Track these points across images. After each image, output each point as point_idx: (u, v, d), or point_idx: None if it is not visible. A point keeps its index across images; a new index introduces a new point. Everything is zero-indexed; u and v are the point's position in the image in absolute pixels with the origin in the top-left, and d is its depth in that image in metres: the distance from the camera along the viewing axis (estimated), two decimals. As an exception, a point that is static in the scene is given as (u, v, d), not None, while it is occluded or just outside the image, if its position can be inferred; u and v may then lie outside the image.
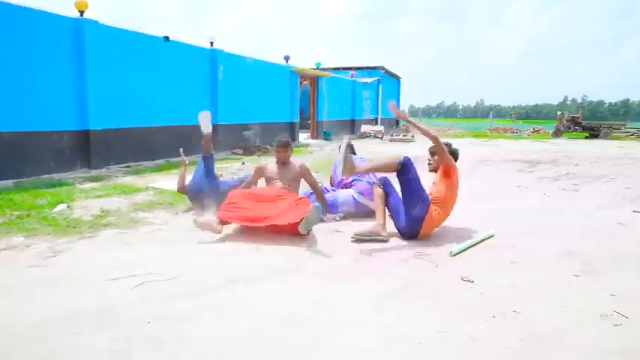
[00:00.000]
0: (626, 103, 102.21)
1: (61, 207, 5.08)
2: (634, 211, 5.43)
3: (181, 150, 5.65)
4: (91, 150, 7.91)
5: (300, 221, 3.90)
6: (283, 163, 4.76)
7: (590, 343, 2.34)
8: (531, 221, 4.97)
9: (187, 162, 5.53)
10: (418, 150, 14.02)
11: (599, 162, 11.17)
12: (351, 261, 3.55)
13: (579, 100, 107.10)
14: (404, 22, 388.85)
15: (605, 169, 9.79)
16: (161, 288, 2.91)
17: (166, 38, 9.28)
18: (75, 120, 7.70)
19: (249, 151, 11.48)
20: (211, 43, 10.75)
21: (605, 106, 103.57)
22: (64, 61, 7.47)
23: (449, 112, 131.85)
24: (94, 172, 7.77)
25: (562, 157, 12.30)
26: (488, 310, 2.69)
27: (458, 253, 3.74)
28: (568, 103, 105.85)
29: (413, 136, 18.97)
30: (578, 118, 22.51)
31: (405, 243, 4.05)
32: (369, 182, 5.03)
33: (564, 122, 22.33)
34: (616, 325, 2.53)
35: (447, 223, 4.74)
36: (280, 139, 4.71)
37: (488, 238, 4.19)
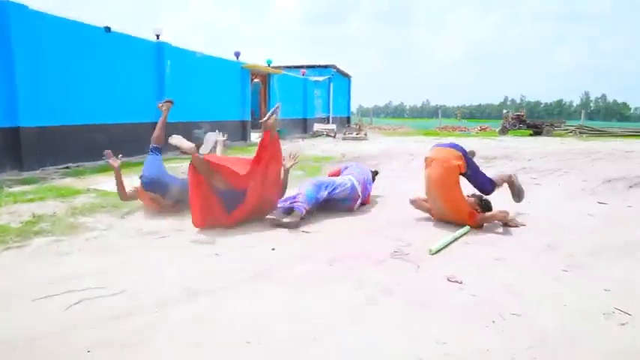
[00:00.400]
0: (560, 104, 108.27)
1: (-17, 213, 4.41)
2: (599, 203, 5.42)
3: (108, 152, 4.61)
4: (22, 150, 7.09)
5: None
6: None
7: (602, 346, 2.11)
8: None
9: (119, 163, 4.61)
10: (371, 147, 13.89)
11: (548, 157, 11.41)
12: (323, 264, 3.19)
13: (518, 101, 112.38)
14: (351, 23, 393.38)
15: (556, 163, 9.98)
16: (104, 306, 2.43)
17: (107, 29, 8.55)
18: (1, 116, 6.87)
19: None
20: (157, 36, 10.07)
21: (542, 106, 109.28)
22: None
23: (396, 112, 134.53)
24: (26, 175, 6.96)
25: (513, 152, 12.50)
26: (485, 314, 2.41)
27: (438, 252, 3.48)
28: (508, 103, 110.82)
29: (366, 134, 18.91)
30: (522, 116, 23.35)
31: (379, 243, 3.74)
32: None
33: (510, 120, 23.09)
34: (622, 324, 2.32)
35: (420, 219, 4.51)
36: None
37: (465, 233, 3.97)
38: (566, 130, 23.62)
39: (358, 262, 3.22)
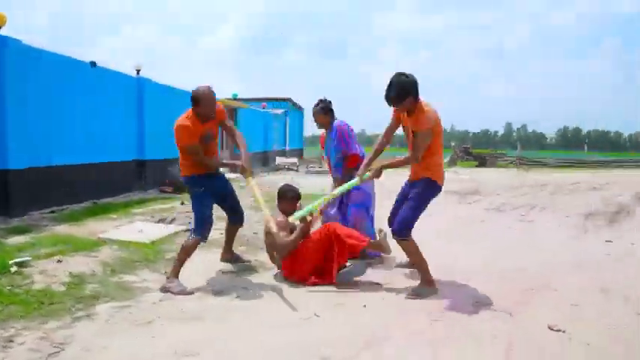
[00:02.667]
0: (486, 133, 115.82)
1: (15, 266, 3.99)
2: (607, 241, 5.85)
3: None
4: (10, 194, 6.50)
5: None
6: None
7: None
8: (540, 258, 4.97)
9: None
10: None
11: (513, 191, 11.96)
12: (425, 321, 3.21)
13: (449, 130, 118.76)
14: (288, 54, 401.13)
15: (525, 198, 10.46)
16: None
17: (93, 64, 8.17)
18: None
19: (178, 187, 10.47)
20: (137, 71, 9.75)
21: (470, 135, 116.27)
22: None
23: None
24: (16, 221, 6.34)
25: (477, 186, 13.06)
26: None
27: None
28: (448, 131, 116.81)
29: (328, 167, 19.14)
30: (469, 148, 24.83)
31: (460, 291, 3.82)
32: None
33: (458, 152, 24.41)
34: None
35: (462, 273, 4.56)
36: (292, 189, 4.39)
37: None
38: (507, 161, 25.32)
39: (457, 312, 3.29)
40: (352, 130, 4.84)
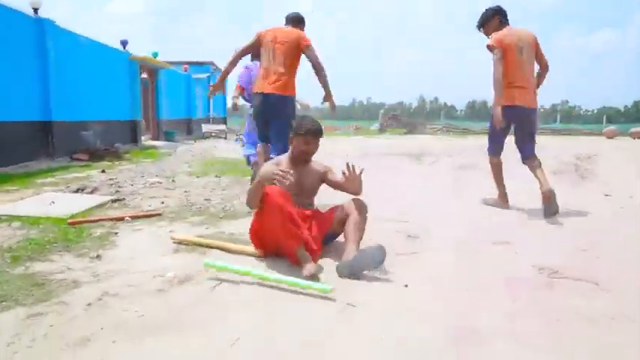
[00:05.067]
0: (401, 105, 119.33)
1: None
2: (606, 195, 5.35)
3: None
4: None
5: None
6: (307, 161, 3.12)
7: None
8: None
9: None
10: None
11: (462, 153, 11.58)
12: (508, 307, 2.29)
13: (365, 102, 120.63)
14: (203, 18, 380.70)
15: (466, 158, 10.13)
16: None
17: None
18: None
19: (95, 155, 8.74)
20: (35, 10, 7.75)
21: (386, 107, 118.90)
22: None
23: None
24: None
25: (423, 149, 12.54)
26: None
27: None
28: (356, 105, 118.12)
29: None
30: (398, 116, 24.66)
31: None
32: None
33: (387, 120, 24.13)
34: None
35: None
36: (312, 124, 3.03)
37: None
38: (435, 128, 25.49)
39: (538, 290, 2.41)
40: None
